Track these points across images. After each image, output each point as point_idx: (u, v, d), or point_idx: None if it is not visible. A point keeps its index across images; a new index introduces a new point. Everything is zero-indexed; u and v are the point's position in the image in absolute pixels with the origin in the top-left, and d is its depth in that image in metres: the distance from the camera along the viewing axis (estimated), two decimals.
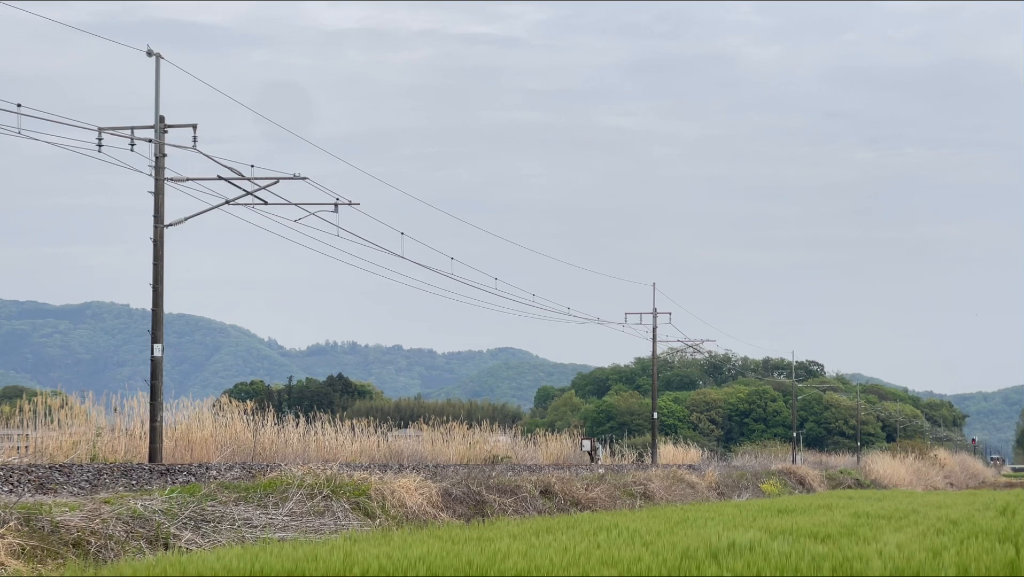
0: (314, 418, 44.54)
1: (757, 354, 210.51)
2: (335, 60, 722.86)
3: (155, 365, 32.65)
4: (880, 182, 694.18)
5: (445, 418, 58.09)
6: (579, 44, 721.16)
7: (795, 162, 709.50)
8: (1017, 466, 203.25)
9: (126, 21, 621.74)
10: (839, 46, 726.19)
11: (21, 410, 33.06)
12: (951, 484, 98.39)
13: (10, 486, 23.13)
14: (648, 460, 70.84)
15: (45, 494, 23.24)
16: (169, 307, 34.70)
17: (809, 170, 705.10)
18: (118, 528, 18.92)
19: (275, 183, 35.43)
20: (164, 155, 32.73)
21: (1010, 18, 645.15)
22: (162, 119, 32.75)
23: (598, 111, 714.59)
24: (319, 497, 24.95)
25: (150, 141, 32.66)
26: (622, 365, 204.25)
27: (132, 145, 32.54)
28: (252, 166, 35.09)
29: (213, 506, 21.88)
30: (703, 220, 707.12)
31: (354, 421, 46.43)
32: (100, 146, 32.02)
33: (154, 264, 32.63)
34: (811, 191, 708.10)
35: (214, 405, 38.71)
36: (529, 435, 62.60)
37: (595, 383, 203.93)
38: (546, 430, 71.22)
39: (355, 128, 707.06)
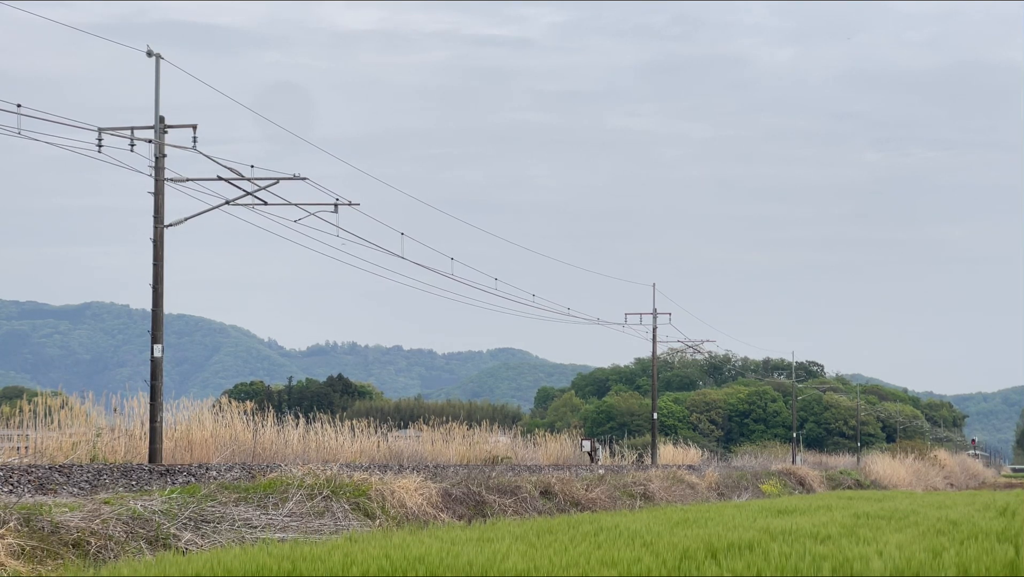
0: (314, 419, 44.55)
1: (757, 354, 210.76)
2: (348, 62, 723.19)
3: (155, 365, 32.64)
4: (886, 183, 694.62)
5: (445, 419, 58.04)
6: (592, 46, 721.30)
7: (803, 163, 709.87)
8: (1017, 466, 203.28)
9: (139, 23, 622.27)
10: (850, 48, 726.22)
11: (21, 410, 33.04)
12: (951, 485, 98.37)
13: (10, 486, 23.13)
14: (648, 461, 70.79)
15: (45, 495, 23.24)
16: (169, 307, 34.71)
17: (816, 171, 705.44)
18: (118, 529, 18.91)
19: (275, 183, 35.42)
20: (164, 155, 32.72)
21: (1017, 20, 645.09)
22: (162, 119, 32.73)
23: (609, 113, 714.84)
24: (319, 498, 24.94)
25: (150, 141, 32.64)
26: (622, 365, 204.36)
27: (132, 145, 32.53)
28: (252, 166, 35.11)
29: (213, 507, 21.87)
30: (705, 221, 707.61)
31: (354, 422, 46.41)
32: (100, 147, 32.00)
33: (154, 264, 32.62)
34: (817, 192, 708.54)
35: (214, 405, 38.69)
36: (529, 435, 62.55)
37: (595, 383, 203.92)
38: (546, 430, 71.17)
39: (367, 129, 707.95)
